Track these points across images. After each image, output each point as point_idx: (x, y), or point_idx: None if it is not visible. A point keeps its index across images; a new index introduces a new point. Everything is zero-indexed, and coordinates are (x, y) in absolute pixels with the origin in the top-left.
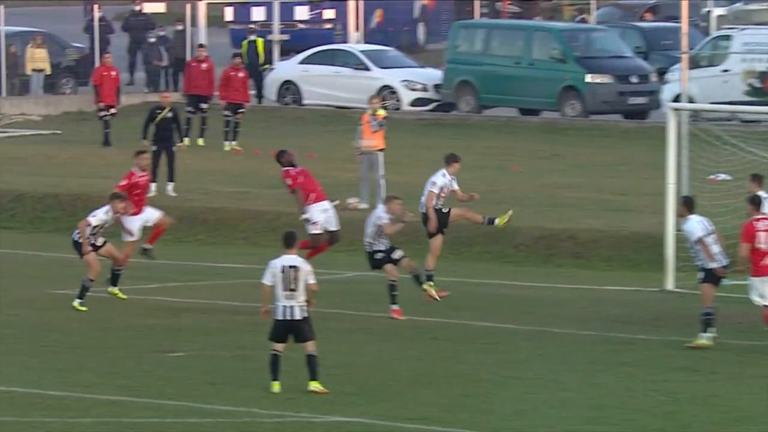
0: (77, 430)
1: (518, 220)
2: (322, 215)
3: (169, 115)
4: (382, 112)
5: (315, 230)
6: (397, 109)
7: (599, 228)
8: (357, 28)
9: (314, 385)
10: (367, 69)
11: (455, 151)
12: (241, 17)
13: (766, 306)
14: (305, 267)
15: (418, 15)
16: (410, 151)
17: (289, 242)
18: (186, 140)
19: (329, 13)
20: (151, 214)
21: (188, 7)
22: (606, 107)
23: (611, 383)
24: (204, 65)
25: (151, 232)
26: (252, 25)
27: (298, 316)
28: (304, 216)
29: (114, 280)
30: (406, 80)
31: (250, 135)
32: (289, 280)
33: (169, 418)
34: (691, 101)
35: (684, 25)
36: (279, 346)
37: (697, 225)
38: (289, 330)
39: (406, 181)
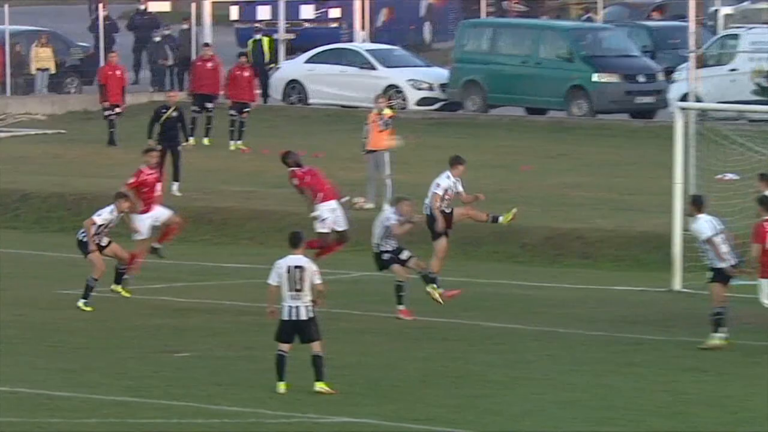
0: (83, 431)
1: (526, 220)
2: (329, 215)
3: (175, 114)
4: (388, 112)
5: (322, 229)
6: (404, 108)
7: (607, 228)
8: (363, 27)
9: (320, 386)
10: (373, 68)
11: (462, 151)
12: (247, 16)
13: None
14: (311, 267)
15: (424, 14)
16: (416, 150)
17: (295, 242)
18: (191, 140)
19: (335, 12)
20: (161, 213)
21: (194, 5)
22: (613, 106)
23: (620, 384)
24: (210, 64)
25: (162, 232)
26: (258, 24)
27: (303, 316)
28: (314, 213)
29: (118, 278)
30: (412, 79)
31: (256, 134)
32: (295, 280)
33: (175, 418)
34: (698, 100)
35: (692, 24)
36: (285, 347)
37: (706, 224)
38: (295, 330)
39: (413, 181)
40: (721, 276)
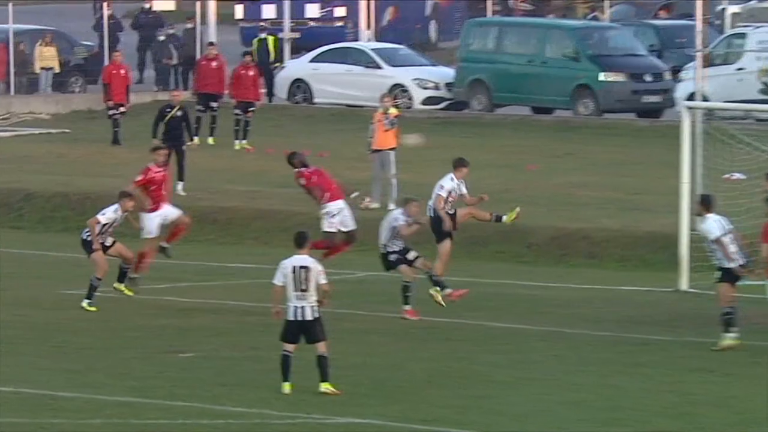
0: None
1: (532, 220)
2: (337, 213)
3: (179, 113)
4: (394, 111)
5: (329, 228)
6: (409, 107)
7: (613, 227)
8: (368, 26)
9: (325, 386)
10: (378, 67)
11: (467, 150)
12: (252, 15)
13: None
14: (316, 267)
15: (430, 13)
16: (422, 149)
17: (300, 242)
18: (196, 139)
19: (340, 11)
20: (169, 212)
21: (198, 4)
22: (619, 106)
23: (626, 384)
24: (214, 63)
25: (170, 231)
26: (263, 23)
27: (309, 316)
28: (323, 210)
29: (121, 277)
30: (417, 78)
31: (261, 134)
32: (300, 280)
33: (179, 419)
34: (705, 100)
35: (698, 23)
36: (290, 347)
37: (714, 224)
38: (300, 330)
39: (418, 180)
40: (729, 276)
